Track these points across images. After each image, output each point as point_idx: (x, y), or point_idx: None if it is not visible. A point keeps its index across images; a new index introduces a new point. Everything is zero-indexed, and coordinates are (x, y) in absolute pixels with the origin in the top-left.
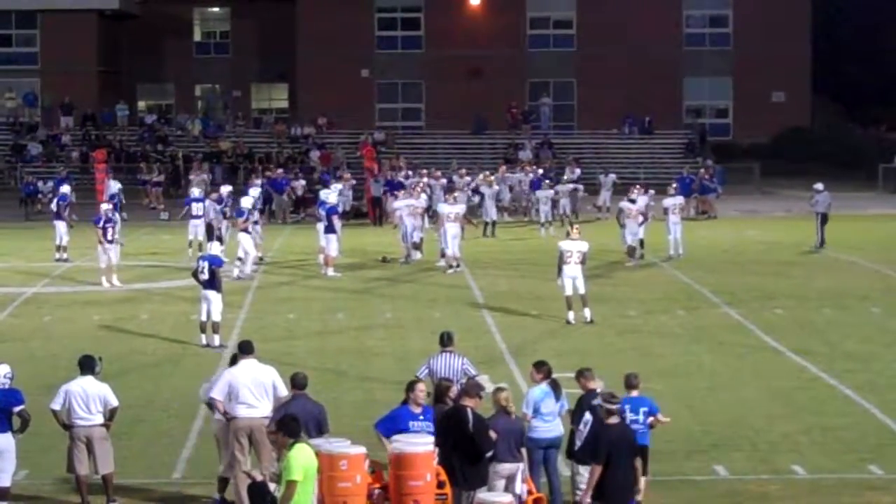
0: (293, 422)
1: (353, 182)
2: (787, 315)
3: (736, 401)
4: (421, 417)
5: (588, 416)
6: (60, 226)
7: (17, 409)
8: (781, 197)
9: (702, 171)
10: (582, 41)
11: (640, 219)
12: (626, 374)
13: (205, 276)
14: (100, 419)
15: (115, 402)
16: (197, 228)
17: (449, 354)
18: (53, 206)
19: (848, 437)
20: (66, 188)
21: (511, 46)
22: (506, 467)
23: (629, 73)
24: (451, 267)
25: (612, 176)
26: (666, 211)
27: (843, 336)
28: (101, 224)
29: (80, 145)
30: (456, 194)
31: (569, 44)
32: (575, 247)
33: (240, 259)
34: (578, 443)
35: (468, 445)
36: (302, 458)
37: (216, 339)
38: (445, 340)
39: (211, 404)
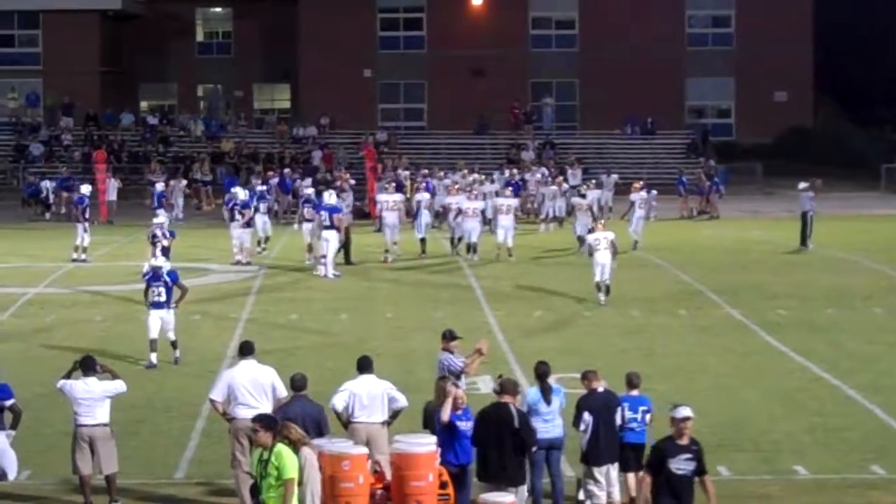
0: (275, 420)
1: (353, 182)
2: (789, 315)
3: (738, 401)
4: (463, 417)
5: (587, 416)
6: (79, 227)
7: (8, 403)
8: (784, 197)
9: (699, 170)
10: (584, 41)
11: (590, 213)
12: (627, 373)
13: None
14: (103, 419)
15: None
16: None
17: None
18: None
19: (851, 437)
20: (85, 189)
21: (513, 46)
22: None
23: (631, 73)
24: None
25: (615, 176)
26: (632, 205)
27: (847, 336)
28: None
29: (83, 145)
30: (507, 191)
31: (571, 44)
32: (602, 235)
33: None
34: (583, 445)
35: (514, 441)
36: (291, 456)
37: (177, 352)
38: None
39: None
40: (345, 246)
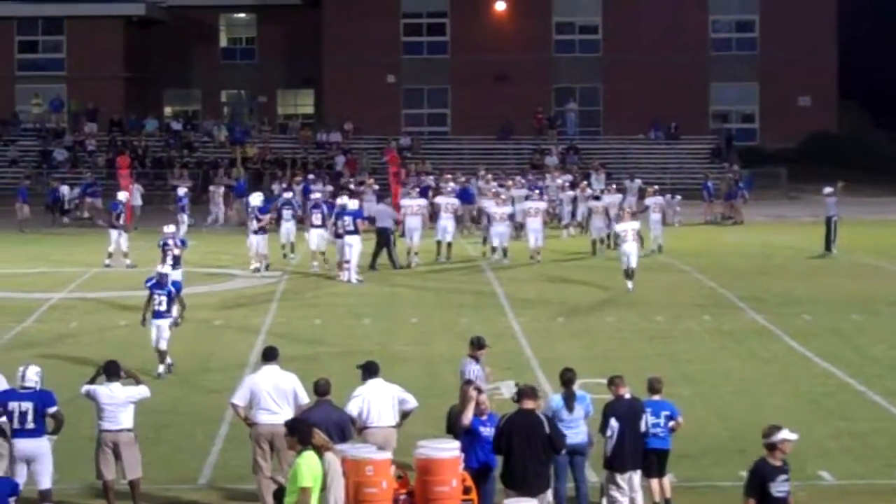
0: (304, 426)
1: (377, 187)
2: (814, 320)
3: (763, 406)
4: (487, 423)
5: (614, 422)
6: (113, 233)
7: (51, 410)
8: (808, 202)
9: (728, 175)
10: (608, 46)
11: (605, 216)
12: (649, 378)
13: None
14: (127, 424)
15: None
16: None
17: (469, 359)
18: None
19: (876, 442)
20: (122, 195)
21: (537, 52)
22: None
23: (655, 78)
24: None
25: (638, 181)
26: (646, 209)
27: (872, 341)
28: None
29: (107, 151)
30: (535, 194)
31: (595, 49)
32: (629, 226)
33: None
34: (609, 451)
35: (544, 447)
36: (311, 464)
37: (161, 367)
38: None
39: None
40: (377, 251)
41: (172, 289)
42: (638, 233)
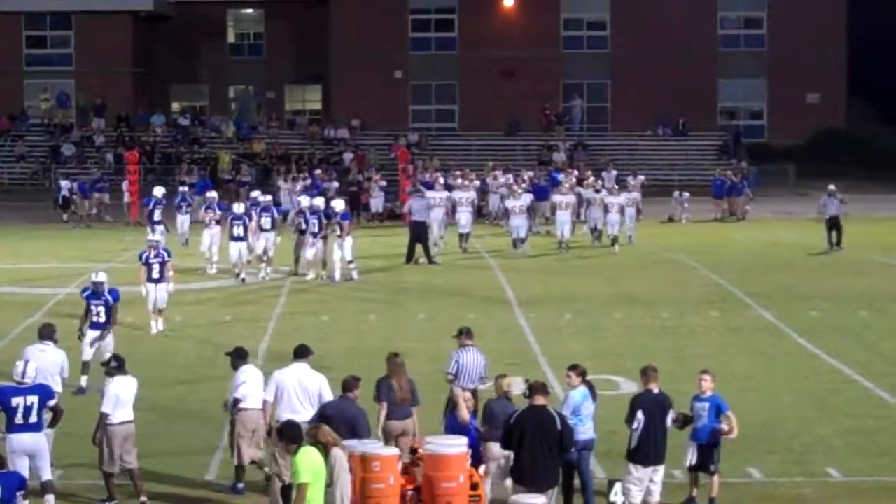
0: (292, 428)
1: (384, 183)
2: (821, 317)
3: (770, 403)
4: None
5: (640, 415)
6: (158, 229)
7: (51, 402)
8: (816, 199)
9: (728, 172)
10: (616, 43)
11: (603, 207)
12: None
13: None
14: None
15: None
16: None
17: (473, 349)
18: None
19: (883, 439)
20: (157, 191)
21: (545, 48)
22: (497, 451)
23: (663, 74)
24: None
25: (641, 177)
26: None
27: (879, 338)
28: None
29: (115, 147)
30: (563, 188)
31: (603, 45)
32: (615, 200)
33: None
34: (633, 443)
35: (555, 443)
36: (308, 460)
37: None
38: (465, 333)
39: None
40: (412, 245)
41: (110, 298)
42: (621, 206)
